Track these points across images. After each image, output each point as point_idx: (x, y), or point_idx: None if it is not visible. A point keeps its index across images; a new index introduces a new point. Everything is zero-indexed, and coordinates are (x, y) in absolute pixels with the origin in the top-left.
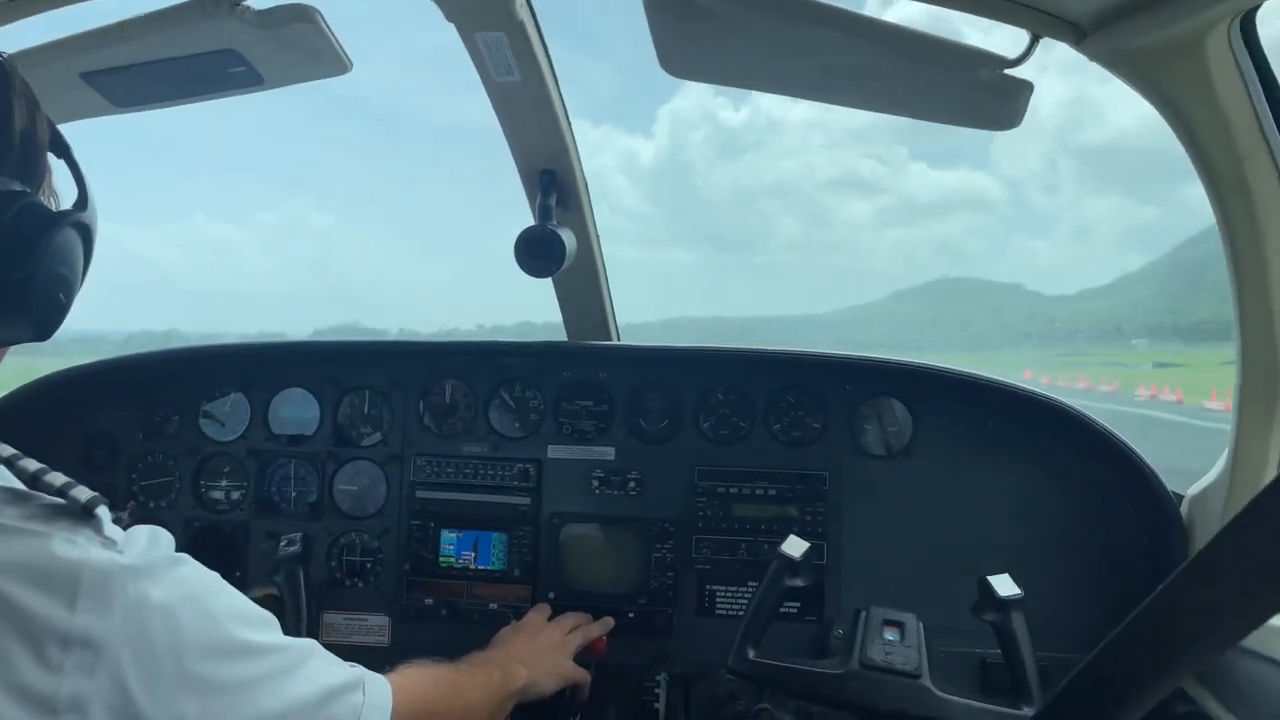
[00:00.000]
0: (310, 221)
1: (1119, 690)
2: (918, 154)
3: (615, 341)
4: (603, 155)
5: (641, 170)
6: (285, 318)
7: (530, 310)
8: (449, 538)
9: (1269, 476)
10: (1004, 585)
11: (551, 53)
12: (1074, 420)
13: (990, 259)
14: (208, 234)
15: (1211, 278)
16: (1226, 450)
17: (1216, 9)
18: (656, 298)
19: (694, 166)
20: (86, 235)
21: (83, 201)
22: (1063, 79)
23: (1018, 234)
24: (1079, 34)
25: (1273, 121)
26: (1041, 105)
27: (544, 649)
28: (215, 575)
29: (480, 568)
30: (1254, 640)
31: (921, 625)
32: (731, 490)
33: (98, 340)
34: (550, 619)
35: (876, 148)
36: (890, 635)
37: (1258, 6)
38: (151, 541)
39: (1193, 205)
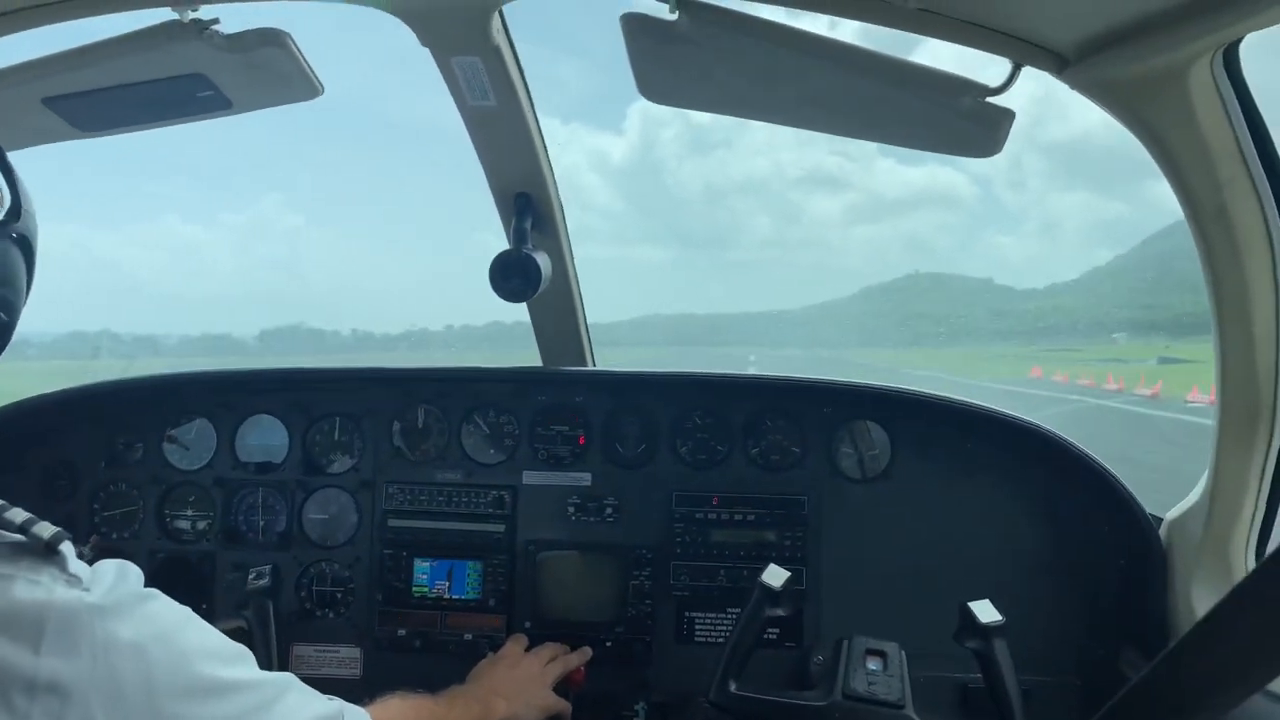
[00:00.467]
0: (280, 222)
1: None
2: (886, 150)
3: (591, 367)
4: (573, 153)
5: (612, 168)
6: (230, 318)
7: (501, 311)
8: (422, 567)
9: (1249, 501)
10: (985, 611)
11: (526, 71)
12: (1052, 444)
13: (960, 255)
14: (169, 235)
15: (1180, 270)
16: (1206, 474)
17: (1200, 42)
18: (628, 296)
19: (664, 164)
20: (26, 248)
21: (16, 210)
22: (1030, 76)
23: (986, 230)
24: (1061, 63)
25: (1255, 152)
26: (1009, 102)
27: (523, 681)
28: (186, 610)
29: (454, 597)
30: None
31: (904, 654)
32: (710, 516)
33: (21, 344)
34: (528, 649)
35: (844, 144)
36: (873, 665)
37: (1241, 39)
38: (119, 577)
39: (1158, 200)
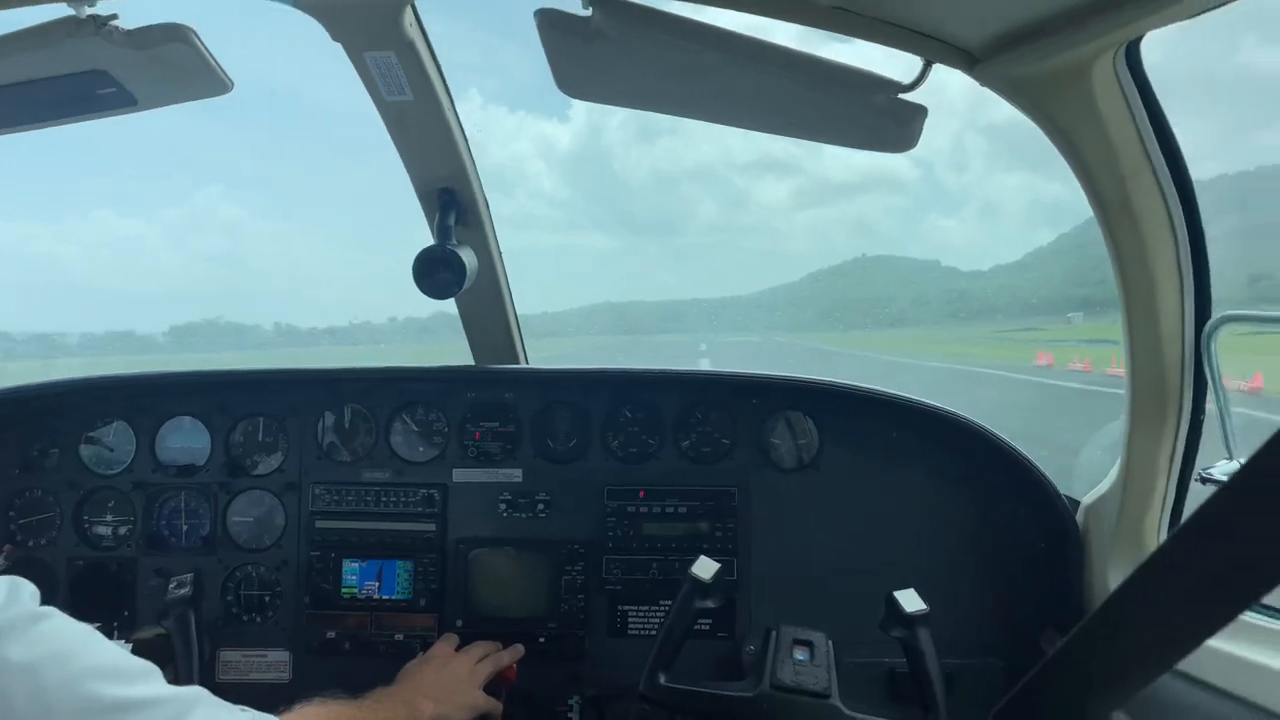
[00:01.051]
0: (219, 214)
1: None
2: None
3: (522, 364)
4: (519, 141)
5: (560, 155)
6: (139, 313)
7: (447, 302)
8: (351, 568)
9: (1159, 484)
10: (910, 601)
11: (456, 59)
12: (972, 433)
13: (906, 238)
14: (102, 230)
15: None
16: (1119, 460)
17: (1103, 39)
18: (578, 285)
19: (612, 151)
20: None
21: None
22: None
23: (930, 213)
24: (970, 61)
25: (1157, 147)
26: (950, 85)
27: (452, 681)
28: (85, 628)
29: (385, 598)
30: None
31: (831, 643)
32: (641, 509)
33: None
34: (459, 648)
35: None
36: (800, 655)
37: (1142, 36)
38: (11, 597)
39: None
